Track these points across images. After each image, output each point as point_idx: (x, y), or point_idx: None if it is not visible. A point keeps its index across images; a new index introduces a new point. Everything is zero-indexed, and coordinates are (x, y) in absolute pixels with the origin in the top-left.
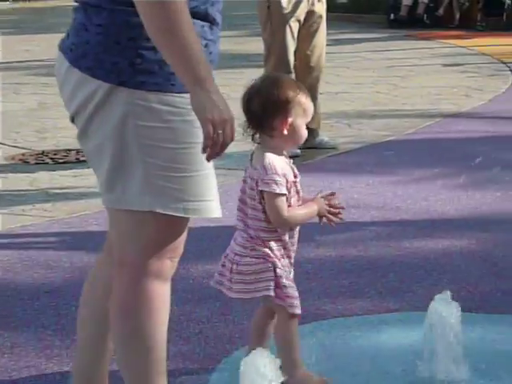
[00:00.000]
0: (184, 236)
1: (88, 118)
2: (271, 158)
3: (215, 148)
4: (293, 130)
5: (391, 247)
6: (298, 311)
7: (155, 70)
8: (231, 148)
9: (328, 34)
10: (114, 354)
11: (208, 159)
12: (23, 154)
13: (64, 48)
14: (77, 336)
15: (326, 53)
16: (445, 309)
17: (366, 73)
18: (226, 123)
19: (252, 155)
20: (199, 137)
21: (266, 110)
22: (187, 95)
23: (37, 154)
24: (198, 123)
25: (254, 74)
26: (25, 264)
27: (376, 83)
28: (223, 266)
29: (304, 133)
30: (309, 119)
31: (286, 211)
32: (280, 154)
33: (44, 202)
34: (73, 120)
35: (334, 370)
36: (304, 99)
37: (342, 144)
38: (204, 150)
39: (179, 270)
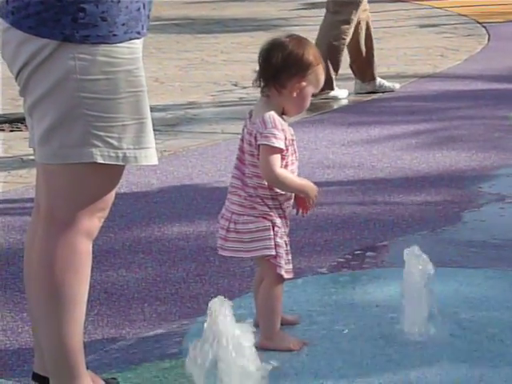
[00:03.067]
0: (113, 194)
1: (30, 74)
2: (271, 113)
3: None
4: (301, 95)
5: (366, 205)
6: (283, 273)
7: (98, 23)
8: (199, 112)
9: None
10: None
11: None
12: None
13: (4, 13)
14: (27, 298)
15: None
16: (417, 263)
17: None
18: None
19: (251, 112)
20: (138, 85)
21: (286, 65)
22: (128, 44)
23: (12, 122)
24: (137, 72)
25: (231, 40)
26: (1, 229)
27: None
28: (218, 224)
29: (307, 103)
30: (316, 91)
31: (278, 167)
32: (279, 114)
33: (19, 168)
34: (17, 79)
35: (308, 325)
36: (321, 71)
37: (317, 105)
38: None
39: (154, 232)
